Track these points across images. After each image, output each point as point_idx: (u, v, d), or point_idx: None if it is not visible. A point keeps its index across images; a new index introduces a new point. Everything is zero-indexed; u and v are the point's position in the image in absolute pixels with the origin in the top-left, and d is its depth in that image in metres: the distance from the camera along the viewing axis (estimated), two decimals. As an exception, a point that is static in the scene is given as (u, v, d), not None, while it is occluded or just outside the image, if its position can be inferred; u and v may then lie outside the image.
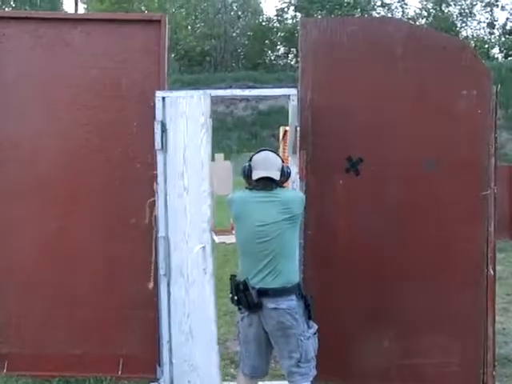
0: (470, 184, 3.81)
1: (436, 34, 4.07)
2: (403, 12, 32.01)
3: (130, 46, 3.89)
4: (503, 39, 31.20)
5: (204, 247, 3.64)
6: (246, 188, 3.16)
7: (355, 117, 3.81)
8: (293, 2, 30.62)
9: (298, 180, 3.70)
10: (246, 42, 30.25)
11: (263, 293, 2.97)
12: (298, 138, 3.71)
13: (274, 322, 2.99)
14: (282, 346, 3.04)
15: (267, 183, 3.07)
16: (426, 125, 3.81)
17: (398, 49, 3.79)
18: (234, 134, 19.57)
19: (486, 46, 32.00)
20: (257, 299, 2.97)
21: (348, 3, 29.06)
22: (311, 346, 3.05)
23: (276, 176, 3.08)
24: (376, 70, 3.80)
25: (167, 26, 3.87)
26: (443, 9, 31.25)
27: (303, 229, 3.65)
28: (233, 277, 3.09)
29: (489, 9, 30.79)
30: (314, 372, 3.08)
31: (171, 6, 30.53)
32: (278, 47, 30.96)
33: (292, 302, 2.99)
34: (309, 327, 3.06)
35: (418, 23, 32.98)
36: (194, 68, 28.71)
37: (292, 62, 32.20)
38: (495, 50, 31.92)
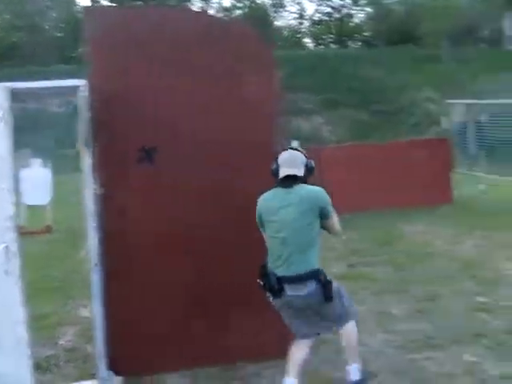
0: (263, 167, 4.02)
1: (225, 22, 4.20)
2: (219, 3, 32.72)
3: None
4: (312, 29, 33.16)
5: (7, 247, 3.45)
6: (275, 187, 3.52)
7: (148, 107, 3.83)
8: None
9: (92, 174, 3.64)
10: (59, 35, 28.94)
11: (284, 280, 3.34)
12: (90, 130, 3.64)
13: (293, 306, 3.43)
14: (315, 319, 3.53)
15: (291, 180, 3.44)
16: (219, 112, 3.95)
17: (191, 38, 3.87)
18: (50, 133, 18.66)
19: (299, 35, 33.85)
20: (277, 285, 3.34)
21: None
22: (337, 305, 3.49)
23: (300, 173, 3.48)
24: (168, 59, 3.84)
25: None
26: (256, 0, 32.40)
27: (100, 224, 3.61)
28: (263, 266, 3.47)
29: (298, 0, 32.59)
30: (351, 317, 3.62)
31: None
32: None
33: (310, 288, 3.33)
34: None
35: (233, 14, 33.92)
36: (3, 62, 26.83)
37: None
38: (307, 40, 33.83)
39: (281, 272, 3.35)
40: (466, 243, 7.67)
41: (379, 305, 5.45)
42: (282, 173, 3.48)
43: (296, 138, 23.18)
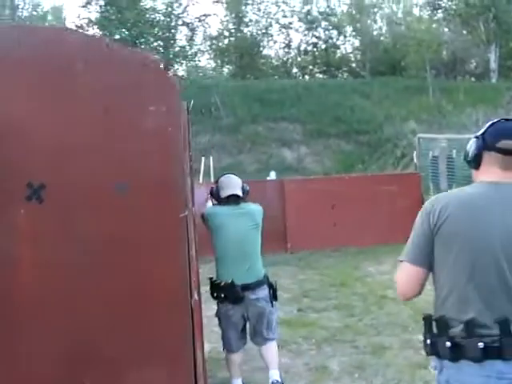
0: (165, 206, 3.57)
1: (119, 47, 3.71)
2: (205, 32, 32.59)
3: None
4: (299, 59, 33.07)
5: None
6: (217, 204, 4.11)
7: (33, 139, 3.39)
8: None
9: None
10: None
11: (245, 287, 3.91)
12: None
13: (255, 308, 3.99)
14: (258, 325, 4.09)
15: (235, 199, 4.05)
16: (114, 145, 3.49)
17: (78, 63, 3.44)
18: None
19: (286, 65, 33.76)
20: (241, 293, 3.89)
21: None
22: (274, 318, 4.16)
23: (240, 193, 4.07)
24: (53, 87, 3.41)
25: None
26: (242, 28, 32.33)
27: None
28: (211, 279, 4.01)
29: (284, 31, 32.51)
30: (276, 335, 4.23)
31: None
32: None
33: (265, 291, 4.01)
34: (272, 306, 4.08)
35: (220, 43, 33.86)
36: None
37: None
38: (294, 69, 33.72)
39: (244, 280, 3.92)
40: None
41: (318, 358, 4.96)
42: (225, 193, 4.05)
43: (274, 169, 22.89)
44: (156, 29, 30.69)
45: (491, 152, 2.20)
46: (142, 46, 31.60)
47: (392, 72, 29.45)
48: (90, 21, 30.76)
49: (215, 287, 3.97)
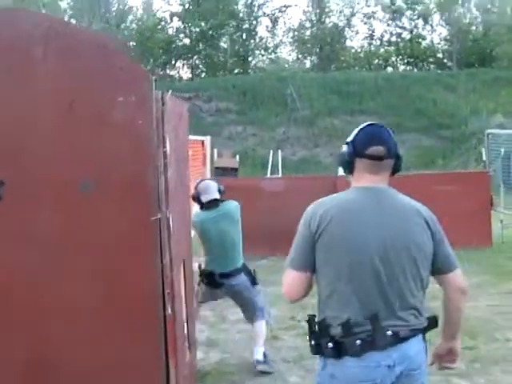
0: (134, 208, 3.21)
1: (83, 32, 3.36)
2: (285, 23, 32.18)
3: None
4: (382, 50, 31.95)
5: None
6: (200, 209, 4.65)
7: (-8, 131, 3.12)
8: None
9: None
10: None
11: (223, 275, 4.55)
12: None
13: (233, 290, 4.62)
14: (243, 305, 4.75)
15: (215, 202, 4.58)
16: (79, 139, 3.16)
17: (38, 49, 3.13)
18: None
19: (370, 56, 32.70)
20: (220, 280, 4.56)
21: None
22: (258, 300, 4.69)
23: (218, 196, 4.60)
24: (10, 75, 3.12)
25: None
26: (324, 19, 31.60)
27: None
28: (200, 267, 4.69)
29: (367, 21, 31.50)
30: (266, 315, 4.70)
31: None
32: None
33: (242, 277, 4.60)
34: (253, 288, 4.67)
35: (302, 33, 33.31)
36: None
37: (171, 72, 31.60)
38: (376, 61, 32.62)
39: (222, 270, 4.55)
40: (480, 301, 6.39)
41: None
42: (206, 199, 4.56)
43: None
44: (235, 20, 30.54)
45: (362, 158, 2.29)
46: (224, 38, 31.69)
47: (481, 63, 27.84)
48: (172, 14, 31.12)
49: (202, 273, 4.67)
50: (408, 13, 30.90)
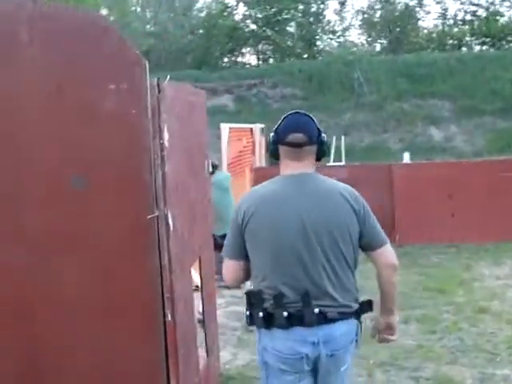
0: (128, 205, 2.95)
1: (70, 14, 3.03)
2: (353, 6, 31.18)
3: None
4: (455, 29, 30.48)
5: None
6: None
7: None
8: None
9: None
10: (189, 39, 29.30)
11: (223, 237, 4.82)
12: None
13: None
14: None
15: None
16: (67, 130, 2.93)
17: (22, 32, 2.90)
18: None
19: (443, 36, 31.25)
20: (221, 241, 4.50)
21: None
22: None
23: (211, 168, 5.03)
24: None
25: None
26: (394, 0, 30.45)
27: None
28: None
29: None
30: None
31: None
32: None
33: None
34: None
35: (371, 15, 32.29)
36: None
37: (238, 59, 31.38)
38: (450, 41, 31.16)
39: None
40: None
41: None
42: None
43: (420, 149, 21.28)
44: (302, 4, 29.90)
45: (283, 146, 2.43)
46: (291, 23, 31.16)
47: None
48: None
49: None
50: (484, -11, 29.29)
